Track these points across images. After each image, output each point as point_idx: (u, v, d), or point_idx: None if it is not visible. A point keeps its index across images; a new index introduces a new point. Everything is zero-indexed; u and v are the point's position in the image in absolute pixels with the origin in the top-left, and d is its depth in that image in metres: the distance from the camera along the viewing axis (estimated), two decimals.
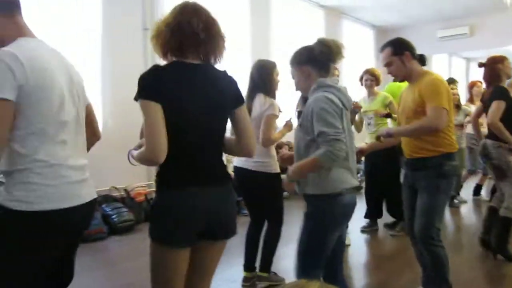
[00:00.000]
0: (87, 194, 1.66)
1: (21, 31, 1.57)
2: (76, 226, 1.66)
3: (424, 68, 2.72)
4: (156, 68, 1.60)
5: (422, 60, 2.71)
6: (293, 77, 2.29)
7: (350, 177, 2.10)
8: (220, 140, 1.74)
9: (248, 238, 3.28)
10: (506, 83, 3.76)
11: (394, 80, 2.79)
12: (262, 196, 3.17)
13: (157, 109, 1.52)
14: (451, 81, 6.58)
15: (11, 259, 1.49)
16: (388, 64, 2.69)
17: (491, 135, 3.62)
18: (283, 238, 4.35)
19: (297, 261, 2.19)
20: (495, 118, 3.49)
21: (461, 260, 3.77)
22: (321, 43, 2.18)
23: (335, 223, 2.12)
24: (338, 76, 4.12)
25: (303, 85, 2.24)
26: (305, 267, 2.16)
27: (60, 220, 1.54)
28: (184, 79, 1.61)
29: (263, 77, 3.12)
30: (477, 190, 6.33)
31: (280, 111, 3.13)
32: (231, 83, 1.74)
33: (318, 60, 2.16)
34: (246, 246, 3.26)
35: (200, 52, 1.65)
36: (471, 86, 6.38)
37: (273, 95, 3.16)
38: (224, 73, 1.74)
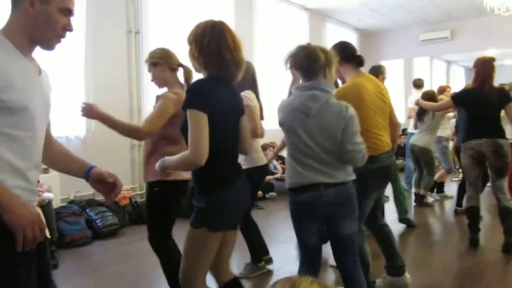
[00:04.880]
0: None
1: None
2: None
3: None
4: (207, 79, 1.88)
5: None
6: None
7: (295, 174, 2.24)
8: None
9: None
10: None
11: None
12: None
13: (204, 118, 1.77)
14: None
15: None
16: None
17: (502, 134, 3.83)
18: (270, 239, 4.39)
19: None
20: None
21: (436, 258, 3.86)
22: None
23: (293, 217, 2.30)
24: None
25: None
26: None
27: None
28: (224, 91, 1.90)
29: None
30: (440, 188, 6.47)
31: None
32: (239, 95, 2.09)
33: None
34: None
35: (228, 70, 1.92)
36: (442, 91, 6.41)
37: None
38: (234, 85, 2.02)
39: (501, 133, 3.84)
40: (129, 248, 4.25)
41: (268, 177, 6.53)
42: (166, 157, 1.92)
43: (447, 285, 3.27)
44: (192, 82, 1.87)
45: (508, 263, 3.65)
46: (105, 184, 1.58)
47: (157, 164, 1.94)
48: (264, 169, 3.45)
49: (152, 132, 2.45)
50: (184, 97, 2.49)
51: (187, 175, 2.52)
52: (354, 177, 2.23)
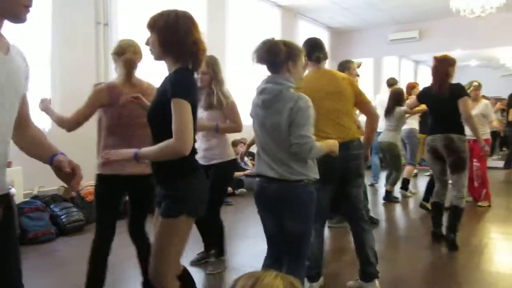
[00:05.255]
0: None
1: None
2: None
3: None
4: (187, 71, 1.89)
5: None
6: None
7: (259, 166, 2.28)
8: None
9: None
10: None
11: None
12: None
13: (190, 108, 1.80)
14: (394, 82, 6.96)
15: None
16: None
17: (453, 129, 3.86)
18: (239, 234, 4.39)
19: None
20: (470, 112, 3.82)
21: (401, 253, 3.94)
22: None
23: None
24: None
25: None
26: None
27: None
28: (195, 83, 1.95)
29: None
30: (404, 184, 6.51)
31: None
32: None
33: None
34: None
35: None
36: (411, 88, 6.55)
37: None
38: None
39: (455, 128, 3.86)
40: None
41: (238, 173, 6.53)
42: (144, 148, 1.90)
43: (411, 278, 3.36)
44: (174, 72, 1.87)
45: (469, 256, 3.78)
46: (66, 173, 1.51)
47: (132, 151, 1.89)
48: (235, 164, 3.50)
49: (75, 122, 2.55)
50: (116, 86, 2.50)
51: (133, 169, 2.46)
52: (307, 176, 2.18)
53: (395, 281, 3.29)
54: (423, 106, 5.21)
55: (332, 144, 2.25)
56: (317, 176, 2.24)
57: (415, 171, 8.27)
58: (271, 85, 2.17)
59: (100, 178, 2.56)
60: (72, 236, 4.36)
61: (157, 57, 1.93)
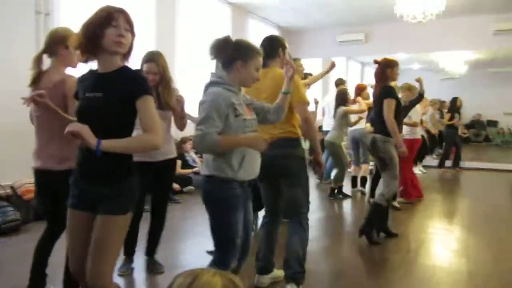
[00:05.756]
0: None
1: None
2: None
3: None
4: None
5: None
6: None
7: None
8: None
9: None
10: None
11: None
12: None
13: None
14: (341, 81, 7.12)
15: None
16: None
17: (380, 130, 4.03)
18: (187, 232, 4.34)
19: None
20: (390, 115, 3.93)
21: (345, 248, 4.06)
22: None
23: None
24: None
25: None
26: None
27: None
28: None
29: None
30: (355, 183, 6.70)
31: None
32: None
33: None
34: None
35: None
36: (362, 89, 6.73)
37: None
38: None
39: (379, 129, 4.06)
40: (32, 246, 3.91)
41: (187, 171, 6.46)
42: (107, 140, 1.73)
43: (355, 272, 3.45)
44: (130, 71, 1.90)
45: (408, 250, 3.95)
46: None
47: (95, 140, 1.72)
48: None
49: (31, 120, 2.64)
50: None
51: (47, 164, 2.45)
52: (218, 173, 2.14)
53: (340, 275, 3.38)
54: (363, 106, 5.51)
55: (251, 140, 2.14)
56: (241, 176, 2.16)
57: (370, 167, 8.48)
58: (208, 82, 2.22)
59: (37, 172, 2.53)
60: (7, 237, 4.11)
61: (119, 52, 1.86)
